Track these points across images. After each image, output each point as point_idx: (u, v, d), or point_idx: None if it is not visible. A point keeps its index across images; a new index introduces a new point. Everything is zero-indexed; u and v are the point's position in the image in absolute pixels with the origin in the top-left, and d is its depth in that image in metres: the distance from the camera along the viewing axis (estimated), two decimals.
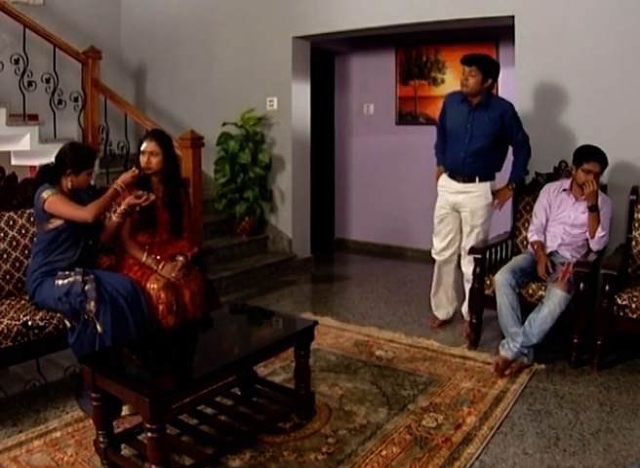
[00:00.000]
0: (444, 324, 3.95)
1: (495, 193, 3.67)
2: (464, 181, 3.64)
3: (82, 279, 2.72)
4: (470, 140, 3.55)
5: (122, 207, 2.93)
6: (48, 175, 2.88)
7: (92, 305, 2.64)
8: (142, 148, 3.10)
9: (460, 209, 3.70)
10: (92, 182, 3.04)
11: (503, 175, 3.76)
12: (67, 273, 2.77)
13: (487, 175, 3.65)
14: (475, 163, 3.59)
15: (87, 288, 2.68)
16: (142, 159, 3.09)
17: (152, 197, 2.94)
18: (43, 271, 2.81)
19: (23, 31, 4.64)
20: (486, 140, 3.53)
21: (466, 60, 3.52)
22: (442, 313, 3.95)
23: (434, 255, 3.90)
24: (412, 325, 3.98)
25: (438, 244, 3.85)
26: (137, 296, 2.81)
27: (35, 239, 2.95)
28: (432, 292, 3.98)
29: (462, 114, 3.58)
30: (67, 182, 2.86)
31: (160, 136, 3.15)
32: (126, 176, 2.92)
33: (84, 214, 2.79)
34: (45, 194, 2.78)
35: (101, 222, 3.09)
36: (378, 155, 6.12)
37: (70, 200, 2.82)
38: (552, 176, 3.80)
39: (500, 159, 3.67)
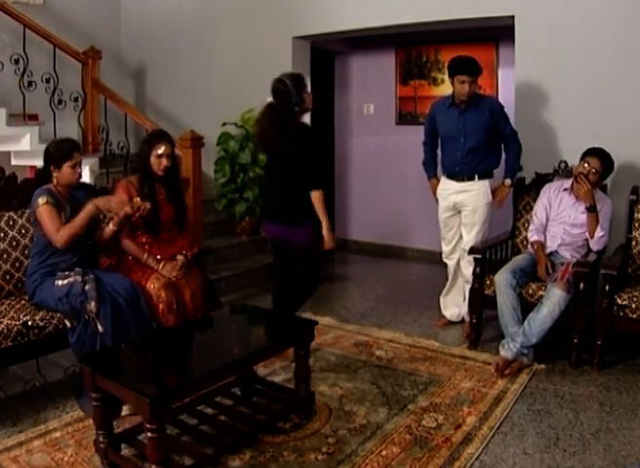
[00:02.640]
0: (449, 324, 3.95)
1: (493, 192, 3.68)
2: (464, 180, 3.67)
3: (82, 279, 2.73)
4: (465, 140, 3.61)
5: (117, 218, 2.91)
6: (42, 176, 2.90)
7: (92, 305, 2.64)
8: (160, 152, 3.06)
9: (462, 208, 3.72)
10: (80, 176, 2.95)
11: (500, 174, 3.77)
12: (67, 273, 2.77)
13: (486, 173, 3.67)
14: (473, 160, 3.63)
15: (87, 288, 2.69)
16: (160, 162, 3.07)
17: (147, 205, 2.94)
18: (42, 272, 2.82)
19: (23, 31, 4.64)
20: (480, 137, 3.58)
21: (473, 71, 3.50)
22: (451, 313, 3.96)
23: (444, 259, 3.96)
24: (412, 325, 3.98)
25: (445, 248, 3.91)
26: (136, 296, 2.81)
27: (33, 240, 2.95)
28: (444, 292, 4.01)
29: (453, 117, 3.65)
30: (54, 179, 2.87)
31: (170, 138, 3.18)
32: (123, 210, 2.86)
33: (56, 238, 2.78)
34: (40, 200, 2.78)
35: (99, 222, 3.09)
36: (378, 155, 6.12)
37: (58, 212, 2.81)
38: (552, 176, 3.80)
39: (495, 154, 3.70)
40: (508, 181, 3.69)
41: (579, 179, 3.28)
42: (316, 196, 3.12)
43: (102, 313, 2.66)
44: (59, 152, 2.85)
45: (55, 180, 2.88)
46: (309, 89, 3.43)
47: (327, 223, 3.18)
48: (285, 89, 3.13)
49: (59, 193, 2.88)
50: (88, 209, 2.82)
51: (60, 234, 2.78)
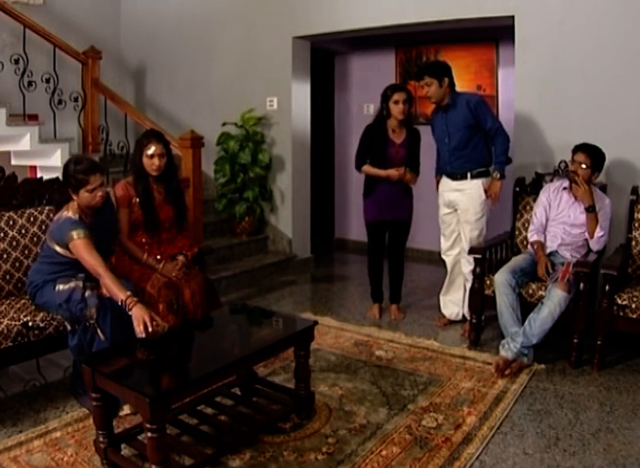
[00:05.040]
0: (449, 324, 3.95)
1: (486, 191, 3.67)
2: (457, 179, 3.71)
3: (83, 285, 2.71)
4: (450, 139, 3.68)
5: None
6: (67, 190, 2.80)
7: (92, 312, 2.61)
8: (151, 152, 3.05)
9: (456, 206, 3.76)
10: (102, 198, 2.76)
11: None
12: (69, 278, 2.76)
13: (478, 172, 3.67)
14: (460, 158, 3.67)
15: (87, 294, 2.66)
16: (152, 162, 3.06)
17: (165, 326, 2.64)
18: (45, 279, 2.79)
19: (23, 31, 4.64)
20: (461, 133, 3.62)
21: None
22: (450, 312, 3.96)
23: (442, 256, 3.98)
24: (412, 325, 3.98)
25: (444, 244, 3.94)
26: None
27: (44, 247, 2.88)
28: (443, 290, 4.02)
29: (440, 120, 3.75)
30: (74, 203, 2.74)
31: (163, 137, 3.15)
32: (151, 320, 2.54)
33: (100, 272, 2.62)
34: (75, 234, 2.62)
35: (113, 249, 3.07)
36: None
37: (93, 245, 2.67)
38: (552, 176, 3.80)
39: (483, 150, 3.67)
40: (497, 174, 3.64)
41: (575, 180, 3.30)
42: (363, 170, 3.90)
43: (102, 320, 2.62)
44: (73, 179, 2.70)
45: (74, 204, 2.75)
46: (397, 99, 3.73)
47: (382, 173, 3.81)
48: (381, 96, 3.81)
49: (84, 215, 2.76)
50: (121, 299, 2.56)
51: (104, 273, 2.61)
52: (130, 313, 2.53)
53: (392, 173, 3.77)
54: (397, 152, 3.83)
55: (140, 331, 2.48)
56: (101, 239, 2.83)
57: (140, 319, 2.50)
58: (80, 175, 2.69)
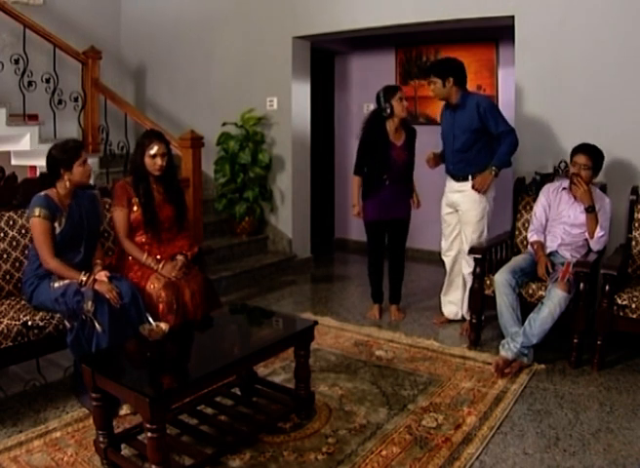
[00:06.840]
0: (448, 322, 3.96)
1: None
2: (459, 180, 3.71)
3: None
4: (454, 139, 3.67)
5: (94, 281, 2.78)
6: (46, 180, 2.88)
7: (89, 305, 2.63)
8: (153, 152, 3.05)
9: (457, 207, 3.77)
10: (91, 175, 2.93)
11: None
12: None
13: (479, 174, 3.65)
14: (463, 160, 3.67)
15: (83, 288, 2.68)
16: (155, 162, 3.07)
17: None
18: (39, 276, 2.81)
19: (23, 31, 4.64)
20: (466, 136, 3.61)
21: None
22: (449, 311, 3.97)
23: (442, 256, 3.98)
24: (412, 325, 3.98)
25: (443, 244, 3.95)
26: (135, 298, 2.79)
27: (30, 244, 2.92)
28: (443, 291, 4.02)
29: (448, 119, 3.75)
30: (65, 182, 2.82)
31: (163, 137, 3.16)
32: (107, 291, 2.72)
33: (47, 258, 2.75)
34: (35, 210, 2.75)
35: (100, 235, 3.08)
36: None
37: (52, 223, 2.77)
38: (552, 176, 3.80)
39: (486, 154, 3.64)
40: (493, 170, 3.58)
41: (574, 181, 3.29)
42: (353, 180, 3.97)
43: (100, 313, 2.64)
44: (66, 154, 2.80)
45: (66, 182, 2.83)
46: (402, 96, 3.77)
47: (354, 201, 3.95)
48: (377, 97, 3.79)
49: (58, 198, 2.83)
50: (81, 279, 2.73)
51: (52, 263, 2.75)
52: (90, 290, 2.68)
53: (357, 210, 3.93)
54: (399, 155, 3.82)
55: (115, 302, 2.70)
56: (80, 225, 2.88)
57: (107, 292, 2.70)
58: (72, 151, 2.82)
